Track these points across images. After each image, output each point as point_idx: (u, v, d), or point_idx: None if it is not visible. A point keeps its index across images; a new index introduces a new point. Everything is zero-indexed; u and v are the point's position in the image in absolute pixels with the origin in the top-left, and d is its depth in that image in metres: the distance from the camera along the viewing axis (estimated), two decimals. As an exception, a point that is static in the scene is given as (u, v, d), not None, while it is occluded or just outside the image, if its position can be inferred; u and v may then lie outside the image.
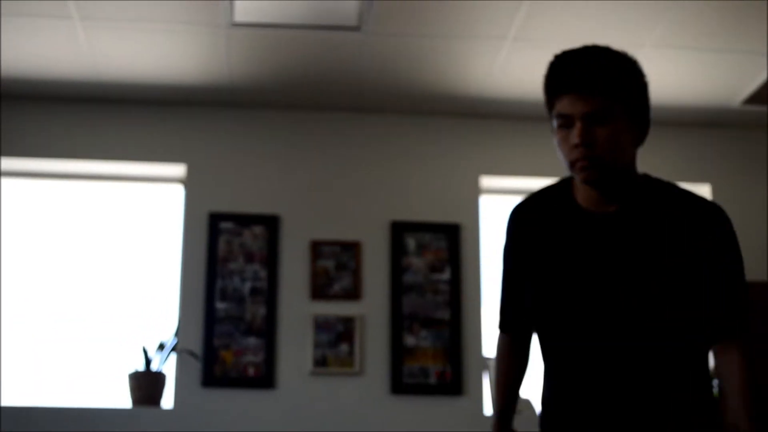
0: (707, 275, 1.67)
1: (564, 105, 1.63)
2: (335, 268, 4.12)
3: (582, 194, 1.72)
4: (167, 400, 4.06)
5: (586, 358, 1.70)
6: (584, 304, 1.69)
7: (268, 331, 4.03)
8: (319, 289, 4.09)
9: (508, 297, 1.90)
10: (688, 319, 1.68)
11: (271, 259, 4.10)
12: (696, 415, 1.70)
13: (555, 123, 1.67)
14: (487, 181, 4.44)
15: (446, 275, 4.18)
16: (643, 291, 1.66)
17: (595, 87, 1.60)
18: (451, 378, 4.05)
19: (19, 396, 4.07)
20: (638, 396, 1.68)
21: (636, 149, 1.70)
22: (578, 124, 1.61)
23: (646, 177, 1.74)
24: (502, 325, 1.93)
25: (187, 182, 4.25)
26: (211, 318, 4.03)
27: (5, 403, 3.98)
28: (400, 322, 4.08)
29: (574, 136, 1.61)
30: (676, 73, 3.92)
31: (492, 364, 4.24)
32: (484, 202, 4.43)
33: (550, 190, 1.81)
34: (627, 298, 1.66)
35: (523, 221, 1.84)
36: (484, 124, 4.44)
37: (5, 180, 4.30)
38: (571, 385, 1.73)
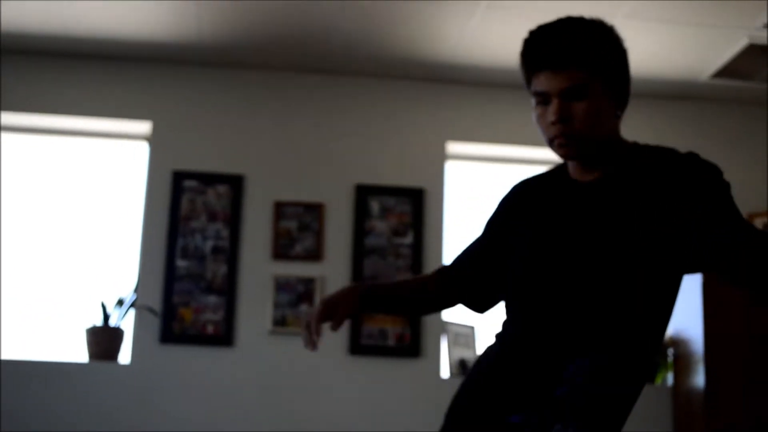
0: (690, 224, 1.60)
1: (540, 82, 1.62)
2: (298, 229, 4.08)
3: (570, 165, 1.73)
4: (125, 356, 4.03)
5: (531, 316, 1.69)
6: (542, 266, 1.68)
7: (228, 289, 3.99)
8: (281, 250, 4.05)
9: (462, 254, 1.90)
10: (650, 286, 1.63)
11: (234, 219, 4.05)
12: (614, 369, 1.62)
13: (533, 101, 1.66)
14: (453, 147, 4.40)
15: (409, 239, 4.15)
16: (602, 257, 1.63)
17: (570, 62, 1.59)
18: (409, 340, 4.04)
19: None
20: (566, 356, 1.63)
21: (618, 117, 1.68)
22: (554, 101, 1.60)
23: (634, 144, 1.71)
24: (440, 268, 1.92)
25: (152, 140, 4.20)
26: (171, 275, 3.99)
27: None
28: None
29: (551, 114, 1.60)
30: (646, 46, 3.90)
31: (449, 327, 4.27)
32: (450, 167, 4.40)
33: (557, 167, 1.82)
34: (583, 262, 1.64)
35: (514, 193, 1.85)
36: (452, 89, 4.40)
37: None
38: (511, 342, 1.70)
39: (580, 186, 1.72)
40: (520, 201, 1.82)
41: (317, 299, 4.00)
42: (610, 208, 1.67)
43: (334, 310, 1.80)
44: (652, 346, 1.69)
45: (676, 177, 1.64)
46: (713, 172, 1.64)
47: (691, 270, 1.67)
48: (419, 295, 1.93)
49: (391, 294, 1.95)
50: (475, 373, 1.76)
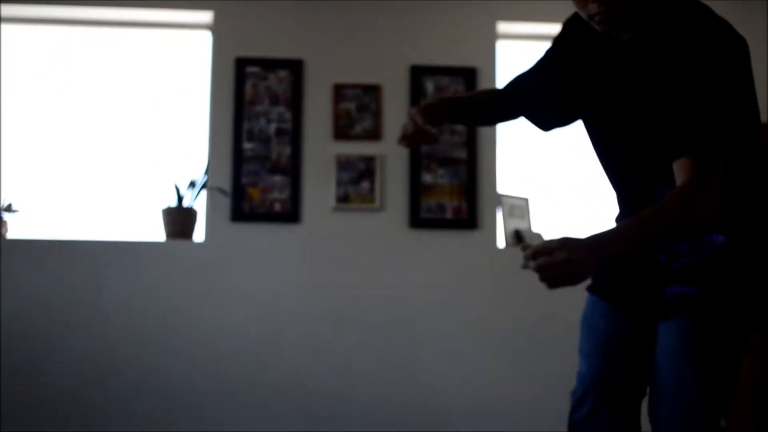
0: (681, 100, 1.61)
1: None
2: (357, 109, 4.14)
3: None
4: (198, 234, 4.17)
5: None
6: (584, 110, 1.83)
7: (293, 169, 4.09)
8: (341, 130, 4.13)
9: (528, 72, 1.97)
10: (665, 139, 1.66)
11: (295, 102, 4.13)
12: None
13: None
14: (503, 26, 4.38)
15: None
16: (625, 110, 1.72)
17: None
18: (466, 213, 4.12)
19: (62, 230, 4.21)
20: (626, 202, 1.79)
21: None
22: None
23: (671, 6, 1.66)
24: (509, 83, 2.01)
25: (215, 28, 4.24)
26: (239, 157, 4.09)
27: (50, 236, 4.14)
28: (418, 161, 4.12)
29: None
30: None
31: (504, 199, 4.34)
32: (501, 47, 4.38)
33: None
34: (614, 113, 1.75)
35: (573, 27, 1.87)
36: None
37: (38, 26, 4.33)
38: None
39: (616, 42, 1.72)
40: (579, 37, 1.84)
41: (377, 177, 4.11)
42: (637, 66, 1.70)
43: (431, 113, 1.86)
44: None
45: (687, 61, 1.60)
46: (720, 57, 1.59)
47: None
48: (490, 107, 2.03)
49: (468, 105, 2.02)
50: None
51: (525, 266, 1.48)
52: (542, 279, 1.47)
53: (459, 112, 1.98)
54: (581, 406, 1.85)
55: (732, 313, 1.69)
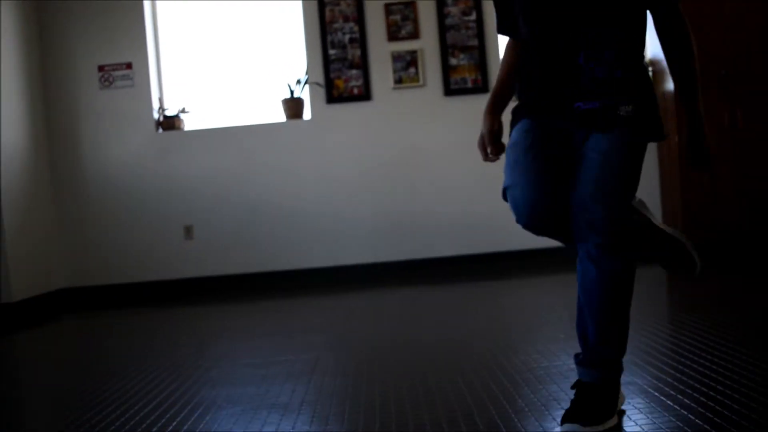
0: None
1: None
2: (401, 19, 5.69)
3: None
4: (306, 114, 5.82)
5: (553, 44, 1.97)
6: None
7: (363, 64, 5.73)
8: (393, 34, 5.71)
9: (504, 7, 2.10)
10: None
11: (360, 18, 5.70)
12: (639, 93, 1.98)
13: None
14: None
15: (473, 17, 5.71)
16: None
17: None
18: (481, 82, 5.71)
19: (218, 121, 5.88)
20: (593, 71, 1.93)
21: None
22: None
23: None
24: (505, 30, 2.12)
25: None
26: (327, 60, 5.72)
27: (210, 126, 5.84)
28: (446, 50, 5.70)
29: None
30: None
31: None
32: None
33: None
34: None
35: None
36: None
37: None
38: (538, 68, 2.01)
39: None
40: None
41: (420, 64, 5.66)
42: None
43: (498, 134, 2.09)
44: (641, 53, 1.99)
45: None
46: None
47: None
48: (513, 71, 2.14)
49: (506, 93, 2.14)
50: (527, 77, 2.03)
51: None
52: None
53: (506, 101, 2.14)
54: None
55: (643, 127, 1.97)
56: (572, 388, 2.05)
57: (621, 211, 1.95)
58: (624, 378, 2.17)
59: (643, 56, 2.08)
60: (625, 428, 1.95)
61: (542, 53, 2.00)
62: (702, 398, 2.10)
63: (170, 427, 2.25)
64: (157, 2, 5.96)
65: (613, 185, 1.94)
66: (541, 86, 2.02)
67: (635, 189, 2.01)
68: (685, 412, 2.00)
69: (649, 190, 5.49)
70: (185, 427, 2.23)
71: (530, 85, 2.05)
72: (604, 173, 1.94)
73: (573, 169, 2.00)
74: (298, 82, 5.83)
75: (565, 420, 1.94)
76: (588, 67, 1.94)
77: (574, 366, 2.10)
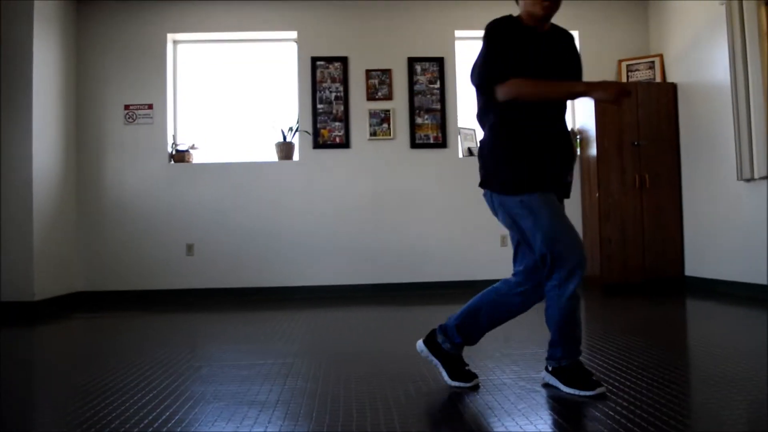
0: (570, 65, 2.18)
1: None
2: (378, 83, 5.69)
3: (525, 18, 2.12)
4: (296, 157, 5.72)
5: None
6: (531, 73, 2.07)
7: (345, 118, 5.69)
8: (371, 95, 5.70)
9: (503, 57, 2.06)
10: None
11: (344, 80, 5.70)
12: None
13: None
14: (459, 32, 5.63)
15: (437, 85, 5.69)
16: (555, 70, 2.12)
17: None
18: (441, 139, 5.69)
19: (220, 157, 5.76)
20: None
21: None
22: None
23: None
24: (504, 76, 2.06)
25: (299, 41, 5.70)
26: (315, 112, 5.68)
27: (213, 161, 5.73)
28: (414, 111, 5.68)
29: None
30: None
31: (461, 130, 5.67)
32: (458, 45, 5.60)
33: (512, 17, 2.16)
34: (549, 73, 2.10)
35: (506, 24, 2.10)
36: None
37: (182, 45, 5.89)
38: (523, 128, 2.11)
39: (540, 33, 2.10)
40: (510, 30, 2.09)
41: (392, 121, 5.62)
42: (557, 46, 2.14)
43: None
44: None
45: (569, 40, 2.19)
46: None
47: None
48: None
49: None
50: (530, 154, 2.09)
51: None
52: (621, 94, 1.89)
53: None
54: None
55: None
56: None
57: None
58: (535, 398, 2.12)
59: None
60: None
61: (535, 118, 2.08)
62: (611, 412, 2.08)
63: (164, 416, 2.17)
64: (179, 45, 5.88)
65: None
66: (552, 171, 2.11)
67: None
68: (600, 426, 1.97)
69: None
70: (177, 417, 2.16)
71: (540, 170, 2.11)
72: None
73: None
74: (290, 129, 5.77)
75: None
76: (570, 142, 2.08)
77: (507, 380, 2.06)
